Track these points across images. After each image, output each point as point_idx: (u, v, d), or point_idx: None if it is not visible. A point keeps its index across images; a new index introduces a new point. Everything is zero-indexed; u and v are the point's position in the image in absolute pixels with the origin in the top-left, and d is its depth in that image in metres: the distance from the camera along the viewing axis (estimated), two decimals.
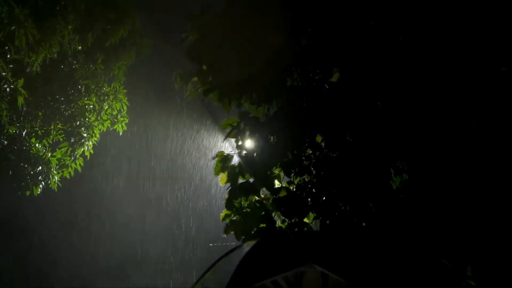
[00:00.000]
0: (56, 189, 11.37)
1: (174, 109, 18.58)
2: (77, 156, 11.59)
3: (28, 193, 11.02)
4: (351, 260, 3.04)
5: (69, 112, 11.54)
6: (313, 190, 4.60)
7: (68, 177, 11.51)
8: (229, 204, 4.85)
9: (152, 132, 19.44)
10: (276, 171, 4.93)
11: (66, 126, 11.51)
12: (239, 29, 4.99)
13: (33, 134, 11.04)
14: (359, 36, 4.75)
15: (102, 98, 11.98)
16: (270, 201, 4.81)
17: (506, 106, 4.27)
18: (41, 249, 16.90)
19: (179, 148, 19.96)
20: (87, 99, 11.67)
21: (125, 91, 12.37)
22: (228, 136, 5.00)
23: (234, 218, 4.87)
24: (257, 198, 4.86)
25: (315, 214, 4.66)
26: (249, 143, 4.85)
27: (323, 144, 4.72)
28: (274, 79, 4.87)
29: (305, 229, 4.62)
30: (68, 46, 10.62)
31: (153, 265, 18.86)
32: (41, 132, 11.18)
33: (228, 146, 5.80)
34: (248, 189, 4.81)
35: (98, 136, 11.99)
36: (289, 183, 4.81)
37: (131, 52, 12.13)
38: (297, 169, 4.66)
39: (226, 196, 4.90)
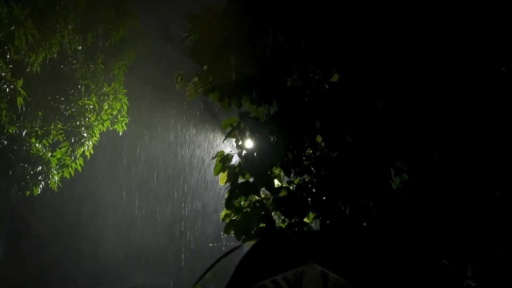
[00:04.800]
0: (56, 189, 11.37)
1: (174, 109, 18.59)
2: (77, 156, 11.59)
3: (28, 193, 11.03)
4: (351, 260, 3.04)
5: (69, 112, 11.55)
6: (313, 190, 4.60)
7: (68, 177, 11.52)
8: (229, 204, 4.85)
9: (152, 131, 19.44)
10: (276, 171, 4.92)
11: (66, 126, 11.52)
12: (239, 29, 4.99)
13: (33, 134, 11.06)
14: (359, 36, 4.75)
15: (102, 98, 11.99)
16: (270, 201, 4.81)
17: (506, 107, 4.28)
18: (41, 249, 16.90)
19: (179, 147, 19.97)
20: (87, 99, 11.68)
21: (125, 91, 12.38)
22: (228, 136, 5.00)
23: (234, 218, 4.87)
24: (257, 198, 4.86)
25: (315, 214, 4.67)
26: (249, 143, 4.85)
27: (323, 144, 4.72)
28: (274, 79, 4.86)
29: (305, 229, 4.62)
30: (68, 46, 10.63)
31: (153, 265, 18.87)
32: (41, 132, 11.19)
33: (228, 146, 5.80)
34: (248, 189, 4.81)
35: (98, 136, 11.99)
36: (289, 183, 4.81)
37: (131, 52, 12.15)
38: (297, 169, 4.66)
39: (226, 195, 4.90)
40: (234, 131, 4.94)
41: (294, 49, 4.94)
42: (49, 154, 11.17)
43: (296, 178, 4.75)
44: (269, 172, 4.80)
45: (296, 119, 4.69)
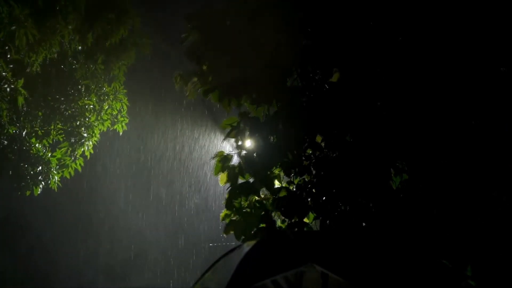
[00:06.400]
0: (56, 189, 11.36)
1: (174, 109, 18.59)
2: (77, 156, 11.59)
3: (28, 193, 11.01)
4: (351, 260, 3.04)
5: (69, 112, 11.53)
6: (313, 190, 4.60)
7: (68, 177, 11.50)
8: (229, 204, 4.85)
9: (152, 132, 19.44)
10: (276, 171, 4.93)
11: (66, 126, 11.50)
12: (239, 29, 4.99)
13: (33, 134, 11.03)
14: (359, 36, 4.75)
15: (102, 98, 11.97)
16: (270, 201, 4.81)
17: (506, 107, 4.27)
18: (41, 249, 16.90)
19: (179, 148, 19.97)
20: (87, 99, 11.67)
21: (125, 91, 12.37)
22: (228, 136, 5.00)
23: (234, 218, 4.87)
24: (257, 198, 4.86)
25: (315, 214, 4.67)
26: (249, 143, 4.85)
27: (323, 144, 4.72)
28: (274, 79, 4.87)
29: (305, 229, 4.62)
30: (68, 46, 10.62)
31: (153, 265, 18.87)
32: (41, 132, 11.17)
33: (228, 146, 5.80)
34: (248, 189, 4.81)
35: (98, 136, 11.98)
36: (289, 183, 4.81)
37: (131, 52, 12.12)
38: (297, 169, 4.66)
39: (226, 196, 4.90)
40: (233, 131, 4.95)
41: (294, 49, 4.94)
42: (49, 154, 11.16)
43: (296, 178, 4.75)
44: (269, 172, 4.80)
45: (296, 119, 4.69)
